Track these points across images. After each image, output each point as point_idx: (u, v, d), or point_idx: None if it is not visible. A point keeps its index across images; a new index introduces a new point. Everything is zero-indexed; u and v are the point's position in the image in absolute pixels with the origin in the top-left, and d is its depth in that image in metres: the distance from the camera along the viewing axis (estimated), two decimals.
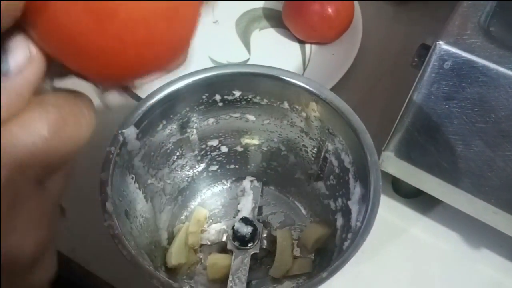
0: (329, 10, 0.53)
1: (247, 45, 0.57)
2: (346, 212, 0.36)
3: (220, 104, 0.38)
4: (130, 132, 0.33)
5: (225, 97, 0.38)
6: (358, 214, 0.33)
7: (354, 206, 0.34)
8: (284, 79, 0.35)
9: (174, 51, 0.18)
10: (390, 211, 0.48)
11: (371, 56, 0.57)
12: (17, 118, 0.18)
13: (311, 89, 0.35)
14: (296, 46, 0.57)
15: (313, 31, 0.55)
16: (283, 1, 0.57)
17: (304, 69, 0.56)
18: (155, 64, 0.18)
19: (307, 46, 0.57)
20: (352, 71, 0.55)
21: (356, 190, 0.34)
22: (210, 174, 0.43)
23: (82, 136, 0.20)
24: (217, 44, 0.57)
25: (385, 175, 0.46)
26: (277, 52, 0.57)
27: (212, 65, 0.49)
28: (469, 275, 0.45)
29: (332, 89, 0.53)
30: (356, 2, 0.58)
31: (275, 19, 0.59)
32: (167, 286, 0.27)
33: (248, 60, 0.56)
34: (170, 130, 0.37)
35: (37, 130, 0.18)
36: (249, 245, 0.39)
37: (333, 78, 0.54)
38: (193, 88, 0.36)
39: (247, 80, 0.36)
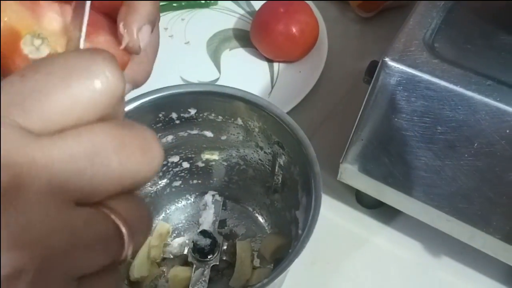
0: (293, 29, 0.56)
1: (217, 64, 0.60)
2: (296, 222, 0.37)
3: (177, 121, 0.40)
4: None
5: (182, 115, 0.40)
6: (303, 223, 0.34)
7: (300, 216, 0.35)
8: (233, 96, 0.37)
9: None
10: (353, 221, 0.50)
11: (337, 72, 0.59)
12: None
13: (260, 105, 0.37)
14: (264, 64, 0.60)
15: (279, 50, 0.58)
16: (251, 22, 0.60)
17: (272, 86, 0.58)
18: None
19: (275, 65, 0.59)
20: (319, 87, 0.57)
21: (303, 200, 0.36)
22: (173, 189, 0.45)
23: (148, 169, 0.17)
24: (188, 64, 0.59)
25: (349, 187, 0.48)
26: (246, 71, 0.59)
27: None
28: (431, 282, 0.46)
29: (299, 105, 0.55)
30: (321, 21, 0.60)
31: (245, 39, 0.61)
32: None
33: (218, 79, 0.58)
34: None
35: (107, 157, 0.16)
36: (209, 257, 0.41)
37: (300, 94, 0.56)
38: (149, 107, 0.38)
39: (200, 99, 0.38)
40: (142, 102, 0.37)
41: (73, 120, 0.16)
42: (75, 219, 0.15)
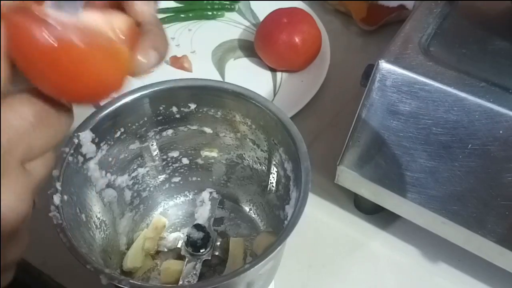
0: (296, 39, 0.57)
1: (222, 73, 0.61)
2: (286, 217, 0.37)
3: (177, 115, 0.41)
4: (86, 135, 0.35)
5: (182, 109, 0.41)
6: (290, 216, 0.34)
7: (290, 210, 0.36)
8: (232, 92, 0.38)
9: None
10: (351, 226, 0.50)
11: (339, 83, 0.61)
12: (7, 101, 0.21)
13: (257, 101, 0.38)
14: (267, 73, 0.61)
15: (282, 59, 0.59)
16: (255, 32, 0.61)
17: (274, 94, 0.59)
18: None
19: (278, 74, 0.61)
20: (320, 96, 0.58)
21: (293, 195, 0.36)
22: (172, 185, 0.46)
23: (62, 130, 0.23)
24: (194, 72, 0.61)
25: (348, 192, 0.48)
26: (250, 79, 0.60)
27: None
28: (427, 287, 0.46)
29: (300, 113, 0.56)
30: (324, 33, 0.62)
31: (249, 49, 0.63)
32: (99, 271, 0.29)
33: None
34: (129, 138, 0.40)
35: (24, 114, 0.21)
36: (201, 251, 0.41)
37: (301, 103, 0.57)
38: (149, 99, 0.39)
39: (200, 94, 0.40)
40: (142, 94, 0.38)
41: None
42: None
